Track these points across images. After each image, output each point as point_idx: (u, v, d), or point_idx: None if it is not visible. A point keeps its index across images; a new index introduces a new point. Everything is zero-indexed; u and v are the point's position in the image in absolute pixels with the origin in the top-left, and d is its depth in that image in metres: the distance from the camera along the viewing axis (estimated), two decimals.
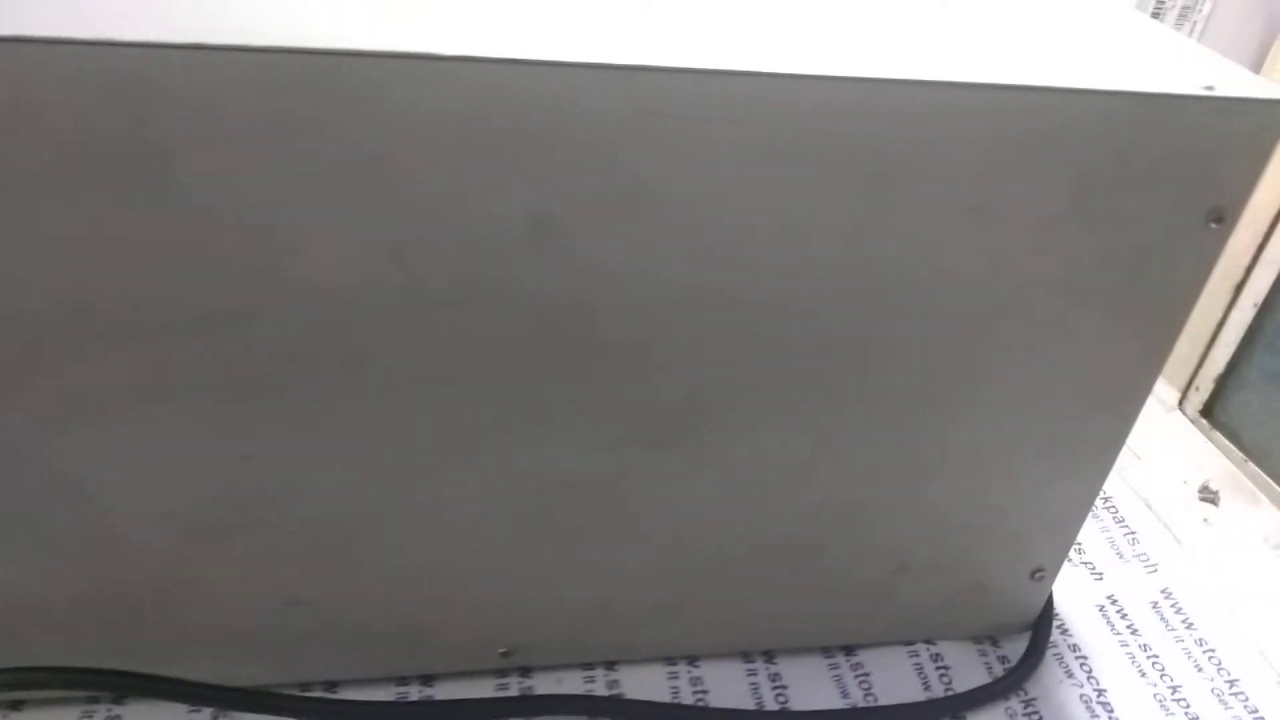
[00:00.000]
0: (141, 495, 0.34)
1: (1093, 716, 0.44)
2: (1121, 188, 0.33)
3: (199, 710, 0.40)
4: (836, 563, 0.42)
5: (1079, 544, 0.53)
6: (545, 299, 0.31)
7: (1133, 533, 0.54)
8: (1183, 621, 0.49)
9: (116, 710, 0.40)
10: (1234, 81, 0.33)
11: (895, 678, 0.45)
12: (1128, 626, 0.48)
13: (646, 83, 0.28)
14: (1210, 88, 0.32)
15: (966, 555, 0.43)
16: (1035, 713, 0.44)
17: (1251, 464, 0.58)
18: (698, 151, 0.29)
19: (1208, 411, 0.61)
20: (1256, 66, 0.58)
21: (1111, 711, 0.44)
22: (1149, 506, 0.56)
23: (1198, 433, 0.61)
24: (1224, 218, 0.34)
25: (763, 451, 0.37)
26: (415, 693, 0.42)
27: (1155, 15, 0.56)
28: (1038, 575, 0.44)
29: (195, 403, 0.32)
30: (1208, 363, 0.61)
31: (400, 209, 0.29)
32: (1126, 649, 0.47)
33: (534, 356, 0.33)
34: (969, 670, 0.45)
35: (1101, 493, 0.55)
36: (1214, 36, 0.57)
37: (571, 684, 0.43)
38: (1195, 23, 0.56)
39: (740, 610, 0.43)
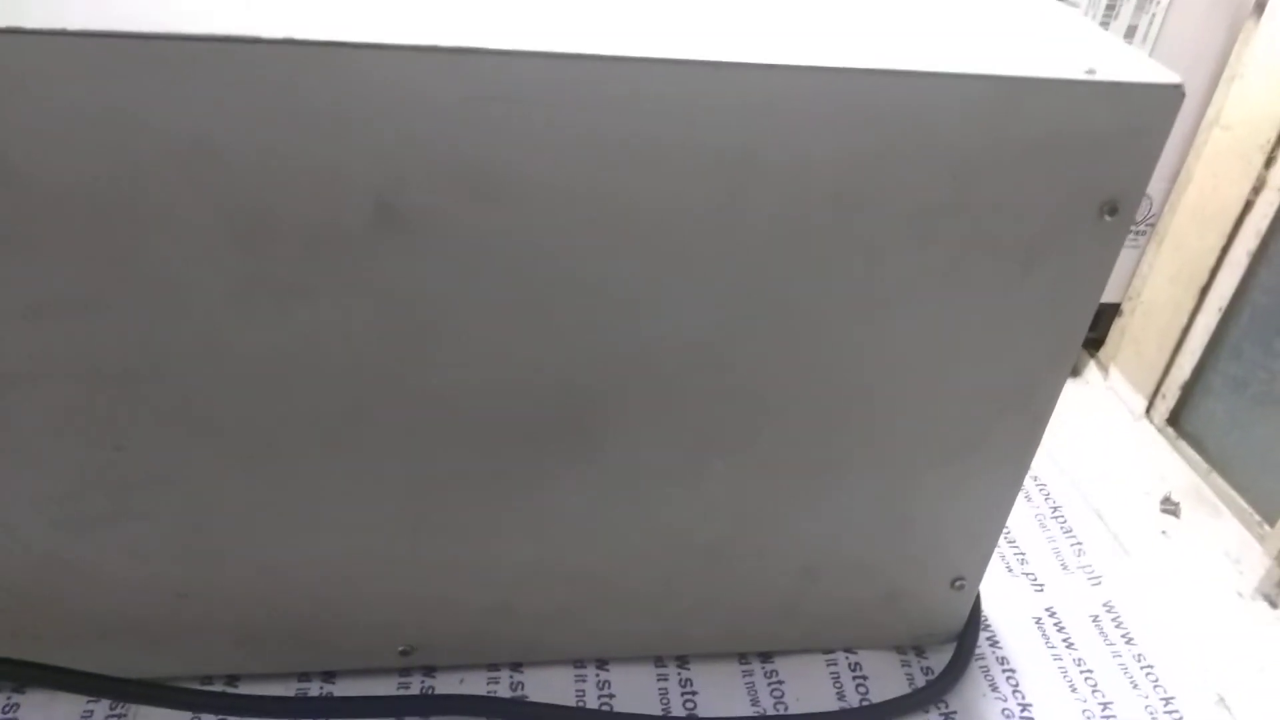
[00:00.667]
0: (14, 485, 0.34)
1: None
2: (1005, 176, 0.32)
3: (97, 701, 0.40)
4: (739, 567, 0.41)
5: (1021, 553, 0.51)
6: (398, 287, 0.31)
7: (1080, 544, 0.52)
8: (1123, 636, 0.47)
9: (15, 699, 0.40)
10: (1120, 64, 0.31)
11: (810, 686, 0.43)
12: (1064, 640, 0.47)
13: (476, 65, 0.27)
14: (1092, 71, 0.31)
15: (877, 562, 0.41)
16: None
17: (1216, 475, 0.55)
18: (542, 137, 0.29)
19: (1174, 420, 0.59)
20: (1224, 55, 0.56)
21: None
22: (1100, 517, 0.54)
23: (1164, 442, 0.59)
24: (1119, 209, 0.33)
25: (647, 450, 0.36)
26: (316, 689, 0.42)
27: (1110, 6, 0.54)
28: (958, 584, 0.43)
29: (59, 391, 0.32)
30: (1174, 369, 0.59)
31: (238, 194, 0.29)
32: (1059, 663, 0.45)
33: (392, 346, 0.32)
34: (888, 681, 0.44)
35: (1051, 502, 0.54)
36: (1177, 23, 0.54)
37: (474, 684, 0.42)
38: (1154, 14, 0.54)
39: (647, 613, 0.42)
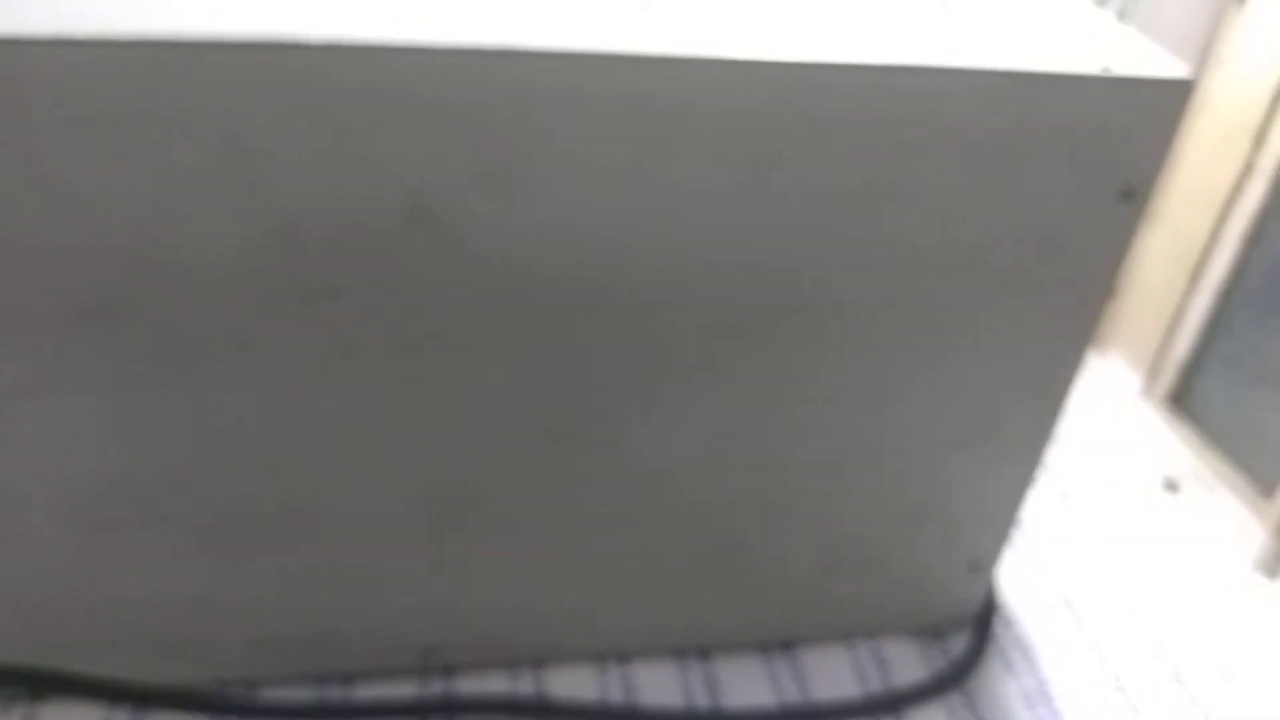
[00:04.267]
0: (39, 490, 0.34)
1: (1033, 710, 0.43)
2: (1024, 167, 0.32)
3: (116, 708, 0.40)
4: (762, 557, 0.41)
5: (1029, 535, 0.52)
6: (426, 287, 0.31)
7: (1087, 523, 0.53)
8: (1132, 613, 0.48)
9: (33, 710, 0.39)
10: (1134, 60, 0.32)
11: (832, 675, 0.44)
12: (1075, 619, 0.47)
13: (514, 66, 0.27)
14: (1107, 68, 0.31)
15: (898, 548, 0.42)
16: (975, 707, 0.43)
17: (1214, 452, 0.56)
18: (572, 135, 0.29)
19: (1174, 399, 0.60)
20: (1209, 40, 0.56)
21: (1053, 704, 0.43)
22: (1106, 496, 0.55)
23: (1163, 421, 0.60)
24: (1133, 195, 0.34)
25: (670, 442, 0.36)
26: (335, 692, 0.41)
27: None
28: (975, 568, 0.43)
29: (85, 396, 0.32)
30: (1170, 349, 0.60)
31: (272, 197, 0.29)
32: (1073, 642, 0.46)
33: (418, 345, 0.32)
34: (909, 666, 0.44)
35: (1057, 483, 0.55)
36: (1165, 8, 0.55)
37: (495, 684, 0.42)
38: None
39: (668, 607, 0.42)
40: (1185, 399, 0.59)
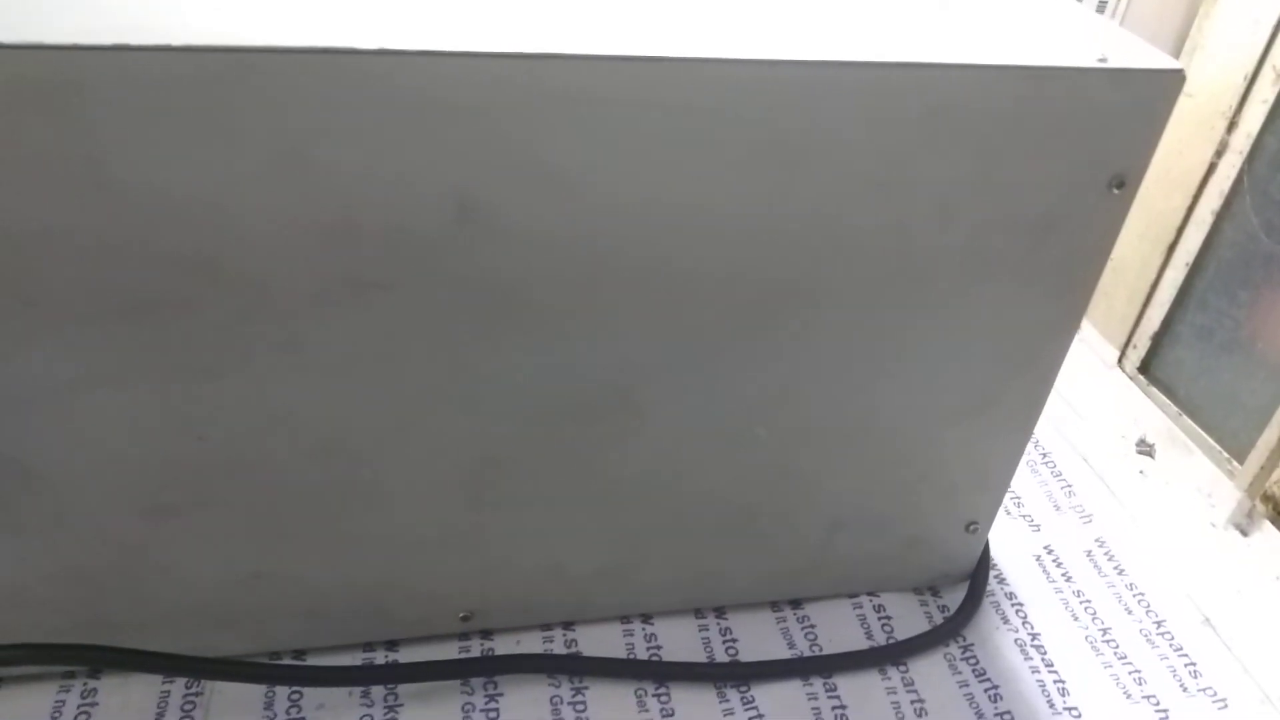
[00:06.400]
0: (99, 477, 0.35)
1: (1026, 659, 0.46)
2: (1022, 157, 0.35)
3: (172, 680, 0.42)
4: (774, 522, 0.44)
5: (1018, 497, 0.55)
6: (473, 279, 0.33)
7: (1069, 486, 0.56)
8: (1115, 568, 0.51)
9: (92, 684, 0.42)
10: (1127, 52, 0.34)
11: (840, 628, 0.47)
12: (1062, 574, 0.51)
13: (552, 70, 0.29)
14: (1103, 59, 0.34)
15: (900, 511, 0.45)
16: (973, 657, 0.46)
17: (1186, 418, 0.60)
18: (607, 133, 0.31)
19: (1145, 368, 0.64)
20: (1186, 27, 0.59)
21: (1045, 654, 0.47)
22: (1086, 460, 0.58)
23: (1136, 389, 0.63)
24: (1125, 183, 0.36)
25: (690, 420, 0.39)
26: (381, 657, 0.44)
27: None
28: (972, 528, 0.47)
29: (144, 387, 0.34)
30: (1144, 321, 0.63)
31: (326, 198, 0.30)
32: (1060, 595, 0.50)
33: (464, 334, 0.34)
34: (910, 619, 0.48)
35: (1040, 449, 0.58)
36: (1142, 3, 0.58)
37: (531, 644, 0.45)
38: None
39: (688, 569, 0.45)
40: (1159, 368, 0.63)
